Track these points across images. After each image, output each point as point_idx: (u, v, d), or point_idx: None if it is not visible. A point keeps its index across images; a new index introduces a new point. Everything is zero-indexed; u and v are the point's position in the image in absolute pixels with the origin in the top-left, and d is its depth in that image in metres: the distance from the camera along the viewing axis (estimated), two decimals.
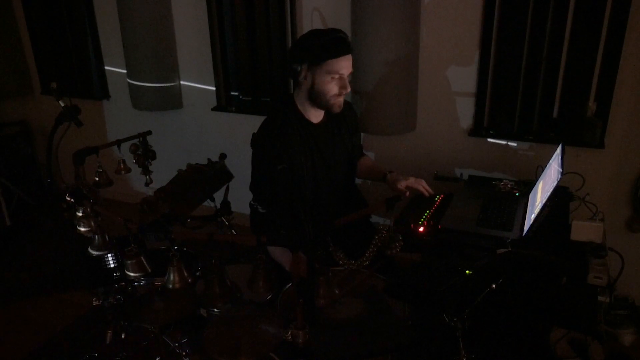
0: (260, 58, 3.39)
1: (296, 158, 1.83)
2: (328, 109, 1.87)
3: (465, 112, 2.92)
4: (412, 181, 1.98)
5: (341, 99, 1.85)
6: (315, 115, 1.91)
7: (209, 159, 1.83)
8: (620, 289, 2.61)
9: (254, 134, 1.90)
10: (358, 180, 2.21)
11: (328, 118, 1.95)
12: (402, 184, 1.96)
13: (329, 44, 1.74)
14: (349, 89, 1.83)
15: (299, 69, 1.78)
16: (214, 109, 3.62)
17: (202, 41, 3.47)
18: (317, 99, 1.83)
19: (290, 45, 3.24)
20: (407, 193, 1.96)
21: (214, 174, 1.77)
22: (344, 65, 1.78)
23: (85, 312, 2.78)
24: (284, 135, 1.83)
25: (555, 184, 2.10)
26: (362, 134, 3.04)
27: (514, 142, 2.85)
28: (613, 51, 2.51)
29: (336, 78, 1.78)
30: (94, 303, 1.82)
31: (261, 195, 1.87)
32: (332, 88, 1.80)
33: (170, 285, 1.34)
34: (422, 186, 2.00)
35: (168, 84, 3.61)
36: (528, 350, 1.66)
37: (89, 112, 4.05)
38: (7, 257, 3.52)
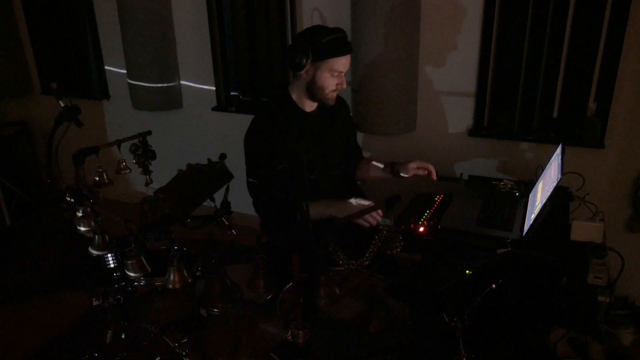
0: (260, 58, 3.39)
1: (293, 145, 1.92)
2: (323, 101, 1.99)
3: (465, 112, 2.92)
4: (421, 162, 2.14)
5: (335, 94, 1.99)
6: (309, 105, 2.04)
7: (209, 159, 1.82)
8: (620, 289, 2.62)
9: (246, 134, 1.98)
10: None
11: (320, 108, 2.07)
12: (413, 165, 2.12)
13: (336, 43, 1.86)
14: (345, 86, 1.95)
15: (303, 62, 1.86)
16: (214, 109, 3.62)
17: (202, 41, 3.46)
18: (315, 92, 1.95)
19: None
20: (421, 171, 2.12)
21: (214, 174, 1.76)
22: (345, 63, 1.91)
23: (85, 312, 2.77)
24: (281, 128, 1.92)
25: (555, 184, 2.10)
26: (362, 134, 3.06)
27: (514, 142, 2.85)
28: (613, 51, 2.51)
29: (335, 75, 1.90)
30: (94, 303, 1.81)
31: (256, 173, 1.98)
32: (331, 84, 1.92)
33: (170, 285, 1.34)
34: (431, 168, 2.15)
35: (168, 84, 3.60)
36: (528, 350, 1.65)
37: (89, 112, 4.05)
38: (7, 257, 3.52)
